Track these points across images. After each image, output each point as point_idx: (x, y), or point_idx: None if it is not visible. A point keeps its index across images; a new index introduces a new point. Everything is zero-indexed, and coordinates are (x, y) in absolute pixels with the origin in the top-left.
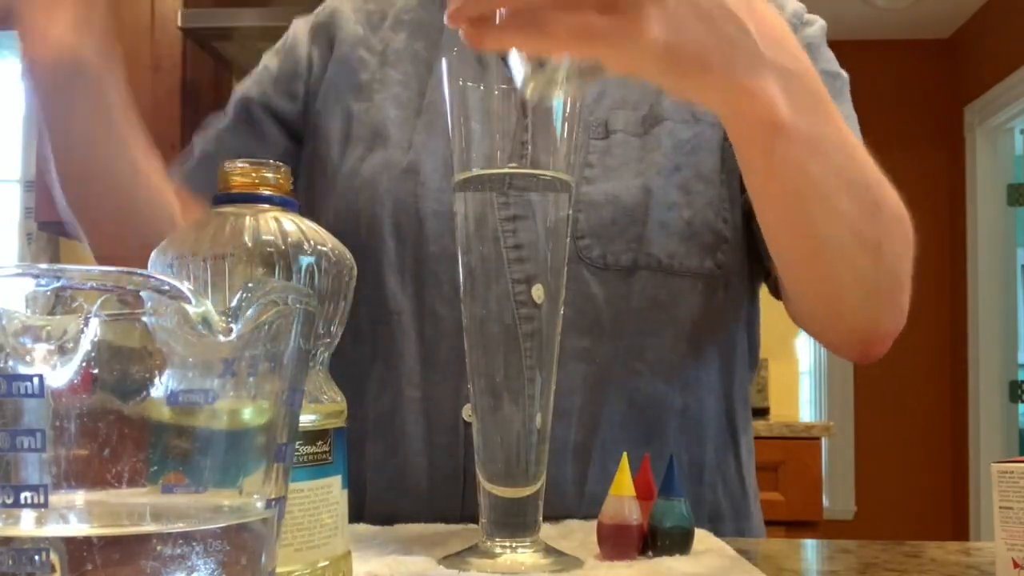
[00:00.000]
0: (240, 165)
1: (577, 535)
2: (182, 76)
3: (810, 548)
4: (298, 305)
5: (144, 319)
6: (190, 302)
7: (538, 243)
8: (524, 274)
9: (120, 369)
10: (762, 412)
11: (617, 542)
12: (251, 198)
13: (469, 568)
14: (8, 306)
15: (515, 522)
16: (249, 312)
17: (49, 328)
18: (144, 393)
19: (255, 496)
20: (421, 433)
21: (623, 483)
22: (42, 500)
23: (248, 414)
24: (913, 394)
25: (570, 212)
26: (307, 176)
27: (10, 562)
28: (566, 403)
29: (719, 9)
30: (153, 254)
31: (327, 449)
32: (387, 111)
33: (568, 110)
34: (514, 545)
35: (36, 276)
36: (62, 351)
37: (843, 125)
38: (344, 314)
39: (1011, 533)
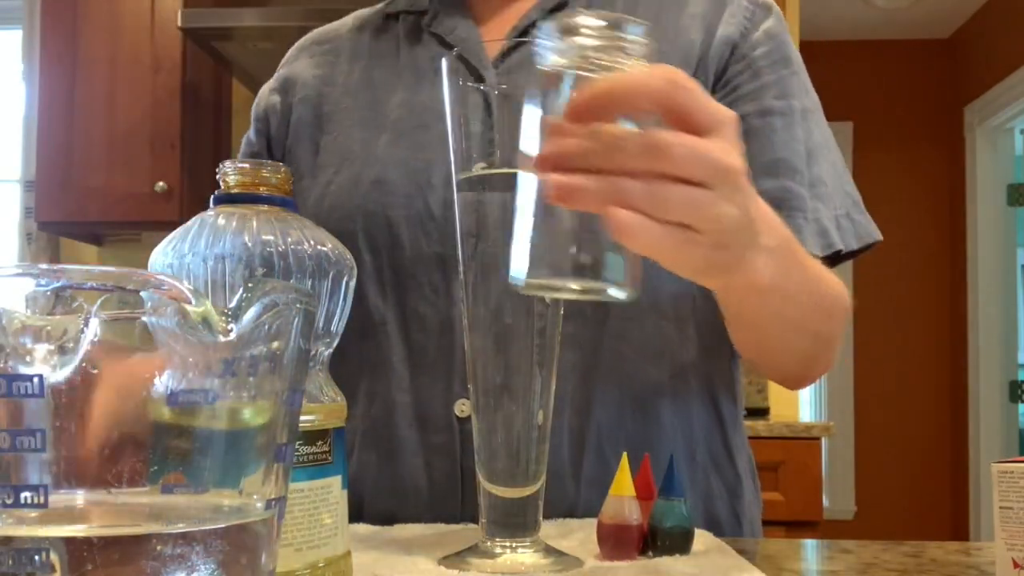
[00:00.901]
0: (240, 165)
1: (577, 535)
2: (182, 76)
3: (810, 548)
4: (298, 305)
5: (144, 319)
6: (190, 302)
7: None
8: None
9: None
10: (762, 412)
11: (617, 542)
12: (251, 198)
13: (469, 568)
14: (8, 306)
15: (515, 522)
16: (249, 312)
17: (49, 328)
18: (144, 393)
19: (255, 496)
20: (415, 436)
21: (623, 483)
22: (42, 500)
23: (248, 414)
24: (913, 394)
25: None
26: None
27: (10, 562)
28: (558, 390)
29: (748, 218)
30: (153, 254)
31: (327, 449)
32: (352, 134)
33: None
34: (514, 545)
35: (36, 276)
36: (62, 351)
37: (806, 261)
38: (344, 314)
39: (1011, 533)
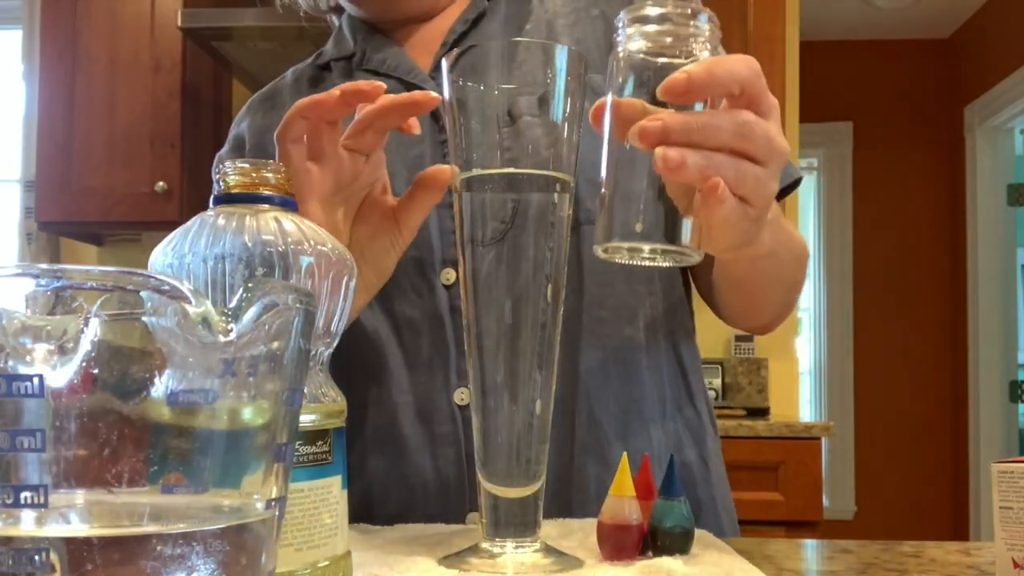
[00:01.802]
0: (240, 165)
1: (577, 535)
2: (182, 76)
3: (810, 548)
4: (298, 305)
5: (144, 319)
6: (190, 302)
7: (538, 241)
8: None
9: (120, 369)
10: (762, 412)
11: (617, 542)
12: (251, 198)
13: (469, 568)
14: (8, 306)
15: (515, 522)
16: (249, 312)
17: (49, 328)
18: (144, 393)
19: (255, 496)
20: (420, 432)
21: (623, 483)
22: (42, 500)
23: (248, 414)
24: (913, 394)
25: (570, 212)
26: None
27: (10, 562)
28: None
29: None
30: (153, 254)
31: (327, 449)
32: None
33: (569, 111)
34: (514, 545)
35: (36, 276)
36: (62, 351)
37: (786, 222)
38: (344, 314)
39: (1011, 533)
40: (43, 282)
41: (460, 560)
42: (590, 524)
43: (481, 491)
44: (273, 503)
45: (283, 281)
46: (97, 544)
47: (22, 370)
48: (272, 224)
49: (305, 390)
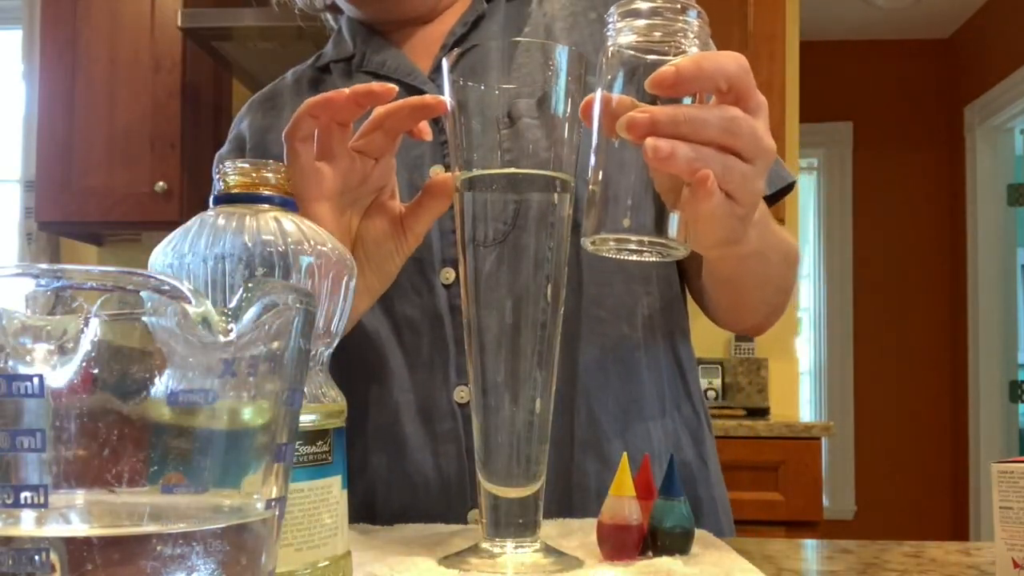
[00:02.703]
0: (240, 165)
1: (577, 535)
2: (182, 76)
3: (810, 548)
4: (298, 305)
5: (144, 319)
6: (190, 302)
7: (539, 241)
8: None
9: (120, 369)
10: (762, 412)
11: (617, 542)
12: (251, 198)
13: (469, 568)
14: (8, 306)
15: (515, 522)
16: (249, 312)
17: (49, 328)
18: (144, 393)
19: (255, 496)
20: (421, 430)
21: (623, 483)
22: (42, 500)
23: (248, 414)
24: (913, 394)
25: (571, 212)
26: None
27: (10, 562)
28: None
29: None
30: (153, 254)
31: (327, 449)
32: None
33: (569, 111)
34: (514, 545)
35: (36, 276)
36: (62, 351)
37: (774, 224)
38: (344, 314)
39: (1011, 533)
40: (43, 282)
41: (460, 560)
42: (590, 524)
43: (481, 491)
44: (273, 503)
45: (283, 281)
46: (97, 544)
47: (22, 370)
48: (272, 224)
49: (305, 390)
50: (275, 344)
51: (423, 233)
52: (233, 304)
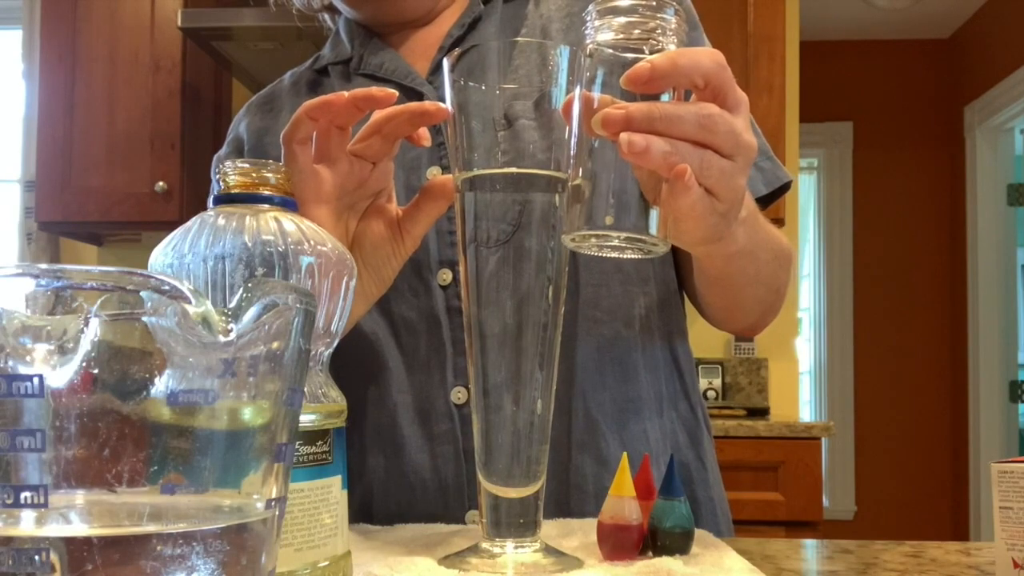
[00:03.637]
0: (240, 165)
1: (577, 535)
2: (182, 76)
3: (810, 548)
4: (298, 305)
5: (144, 319)
6: (190, 302)
7: (541, 242)
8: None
9: (120, 369)
10: (762, 412)
11: (617, 542)
12: (251, 198)
13: (469, 568)
14: (8, 306)
15: (515, 522)
16: (249, 312)
17: (49, 328)
18: (144, 393)
19: (255, 496)
20: (418, 431)
21: (623, 483)
22: (42, 500)
23: (248, 414)
24: (913, 394)
25: None
26: None
27: (10, 562)
28: None
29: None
30: (153, 254)
31: (327, 449)
32: None
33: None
34: (514, 545)
35: (36, 276)
36: (62, 351)
37: (764, 222)
38: (344, 314)
39: (1011, 533)
40: (43, 282)
41: (460, 560)
42: (590, 524)
43: (481, 491)
44: (273, 503)
45: (283, 281)
46: (97, 544)
47: (22, 370)
48: (272, 224)
49: (305, 390)
50: (275, 344)
51: (420, 236)
52: (233, 304)
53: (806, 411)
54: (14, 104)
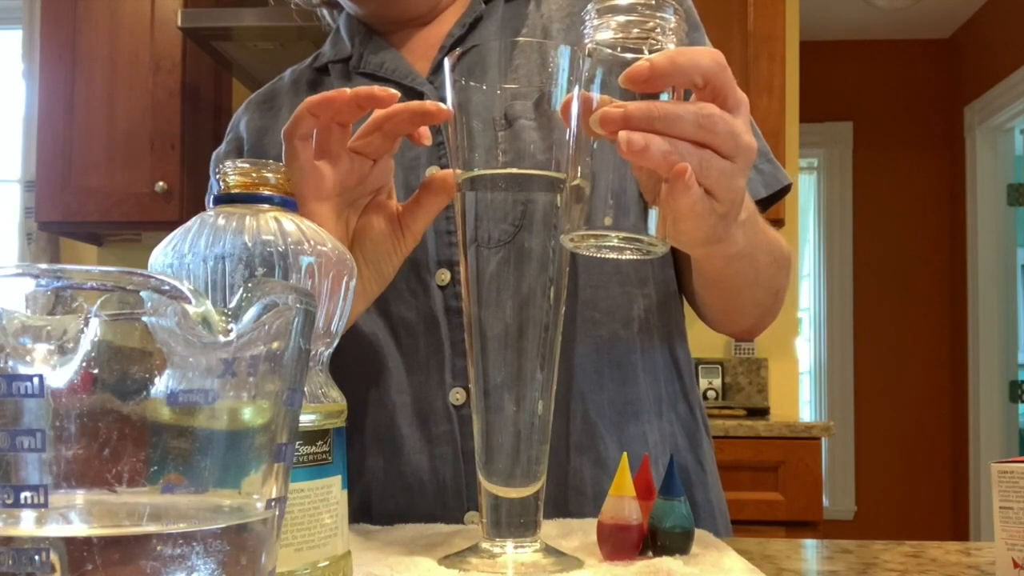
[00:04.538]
0: (240, 165)
1: (577, 535)
2: (182, 76)
3: (810, 548)
4: (298, 305)
5: (144, 319)
6: (190, 302)
7: (542, 243)
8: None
9: (120, 369)
10: (762, 412)
11: (617, 542)
12: (251, 198)
13: (469, 568)
14: (8, 306)
15: (515, 522)
16: (249, 312)
17: (49, 328)
18: (144, 393)
19: (255, 496)
20: (417, 432)
21: (623, 483)
22: (42, 500)
23: (248, 414)
24: (913, 394)
25: None
26: None
27: (10, 562)
28: None
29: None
30: (153, 254)
31: (327, 449)
32: None
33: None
34: (514, 545)
35: (36, 276)
36: (62, 351)
37: (764, 225)
38: (344, 314)
39: (1011, 533)
40: (43, 282)
41: (460, 560)
42: (590, 524)
43: (482, 491)
44: (273, 503)
45: (283, 281)
46: (97, 544)
47: (22, 370)
48: (272, 224)
49: (305, 390)
50: (275, 344)
51: (421, 232)
52: (233, 304)
53: (806, 411)
54: (14, 104)
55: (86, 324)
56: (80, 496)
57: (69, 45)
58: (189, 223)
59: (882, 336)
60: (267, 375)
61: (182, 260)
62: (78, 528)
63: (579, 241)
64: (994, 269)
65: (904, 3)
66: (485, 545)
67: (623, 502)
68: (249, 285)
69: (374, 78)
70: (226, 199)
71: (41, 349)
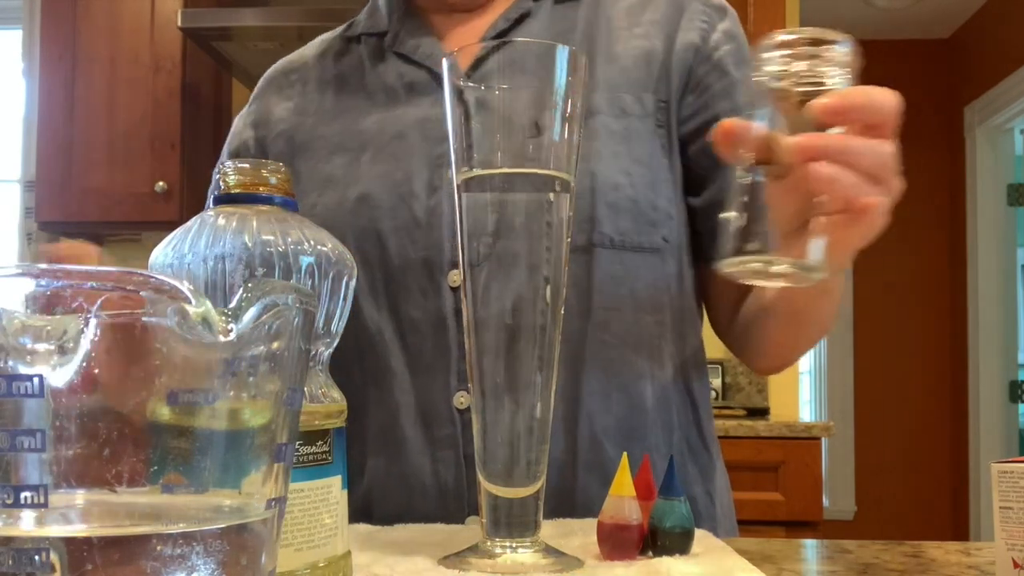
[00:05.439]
0: (240, 165)
1: (577, 535)
2: (182, 76)
3: (810, 548)
4: (298, 305)
5: (144, 319)
6: (190, 302)
7: (539, 243)
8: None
9: (120, 369)
10: (762, 412)
11: (617, 542)
12: (251, 198)
13: (469, 568)
14: (8, 306)
15: (515, 522)
16: (249, 312)
17: (49, 328)
18: (144, 393)
19: (255, 496)
20: (420, 434)
21: (623, 483)
22: (42, 500)
23: (248, 414)
24: (913, 394)
25: (571, 213)
26: None
27: (10, 562)
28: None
29: None
30: (153, 254)
31: (327, 449)
32: (331, 160)
33: (569, 110)
34: (514, 545)
35: (36, 276)
36: (62, 351)
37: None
38: (344, 314)
39: (1011, 533)
40: (43, 282)
41: (460, 560)
42: (590, 524)
43: (481, 491)
44: (273, 503)
45: (283, 281)
46: (97, 544)
47: (22, 370)
48: (272, 224)
49: (305, 390)
50: (275, 344)
51: None
52: (233, 304)
53: (806, 411)
54: (14, 104)
55: (86, 324)
56: (80, 496)
57: (69, 45)
58: (189, 223)
59: (882, 336)
60: (267, 375)
61: (182, 260)
62: (78, 528)
63: (739, 266)
64: (994, 269)
65: (904, 3)
66: (485, 545)
67: (623, 502)
68: (249, 285)
69: (407, 60)
70: (226, 199)
71: (41, 349)
